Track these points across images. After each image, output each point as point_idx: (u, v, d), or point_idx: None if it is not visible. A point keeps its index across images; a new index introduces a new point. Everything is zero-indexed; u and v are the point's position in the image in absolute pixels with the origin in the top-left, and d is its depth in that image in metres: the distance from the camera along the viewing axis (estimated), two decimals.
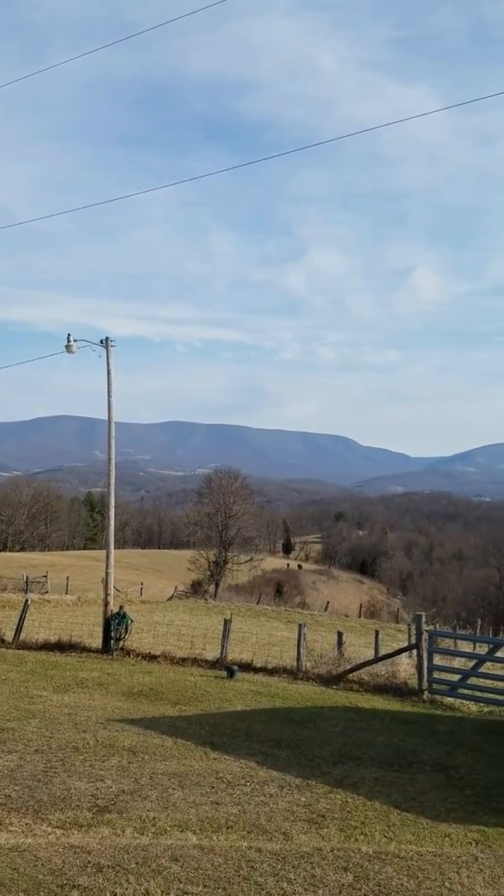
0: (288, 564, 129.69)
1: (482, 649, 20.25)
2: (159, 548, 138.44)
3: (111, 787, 8.18)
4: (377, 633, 21.21)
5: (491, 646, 16.88)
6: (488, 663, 16.38)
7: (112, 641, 18.77)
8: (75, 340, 20.10)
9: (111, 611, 19.59)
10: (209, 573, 68.88)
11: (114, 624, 18.99)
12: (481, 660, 15.93)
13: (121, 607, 20.12)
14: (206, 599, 49.54)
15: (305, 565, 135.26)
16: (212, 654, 18.05)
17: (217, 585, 65.81)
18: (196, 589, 65.23)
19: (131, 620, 19.41)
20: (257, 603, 48.81)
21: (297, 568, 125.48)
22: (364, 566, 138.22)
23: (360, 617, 49.70)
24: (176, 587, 62.33)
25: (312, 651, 18.00)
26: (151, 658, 17.88)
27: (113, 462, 21.24)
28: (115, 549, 21.50)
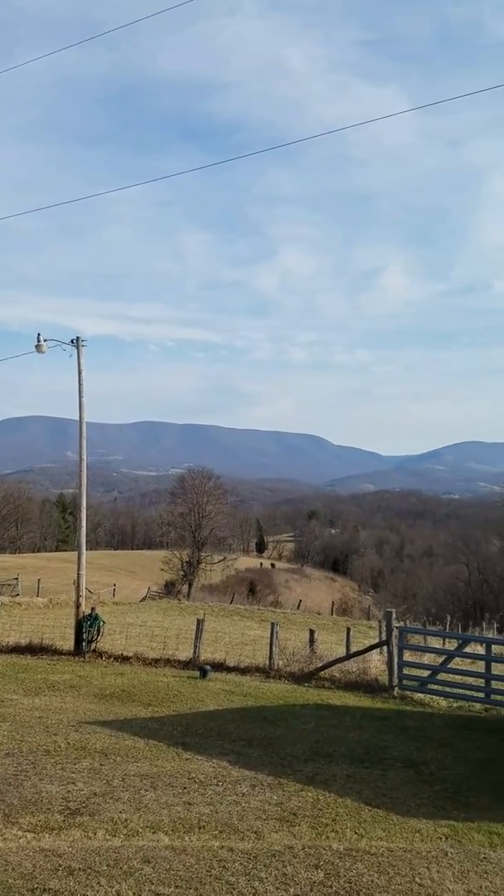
0: (261, 563, 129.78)
1: (451, 645, 20.50)
2: (132, 548, 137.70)
3: (83, 790, 8.16)
4: (349, 630, 21.36)
5: (460, 641, 17.13)
6: (457, 659, 16.61)
7: (84, 643, 18.67)
8: (45, 340, 19.93)
9: (83, 613, 19.48)
10: (182, 573, 68.77)
11: (86, 626, 18.89)
12: (450, 655, 16.14)
13: (93, 609, 20.02)
14: (180, 600, 49.45)
15: (279, 564, 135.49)
16: (185, 654, 18.04)
17: (190, 585, 65.72)
18: (169, 589, 65.06)
19: (103, 622, 19.32)
20: (230, 602, 48.82)
21: (270, 567, 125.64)
22: (336, 564, 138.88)
23: (332, 614, 49.91)
24: (149, 588, 62.10)
25: (285, 649, 18.09)
26: (124, 660, 17.82)
27: (84, 463, 21.11)
28: (87, 550, 21.37)
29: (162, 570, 72.83)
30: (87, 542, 21.40)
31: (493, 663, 15.18)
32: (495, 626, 32.56)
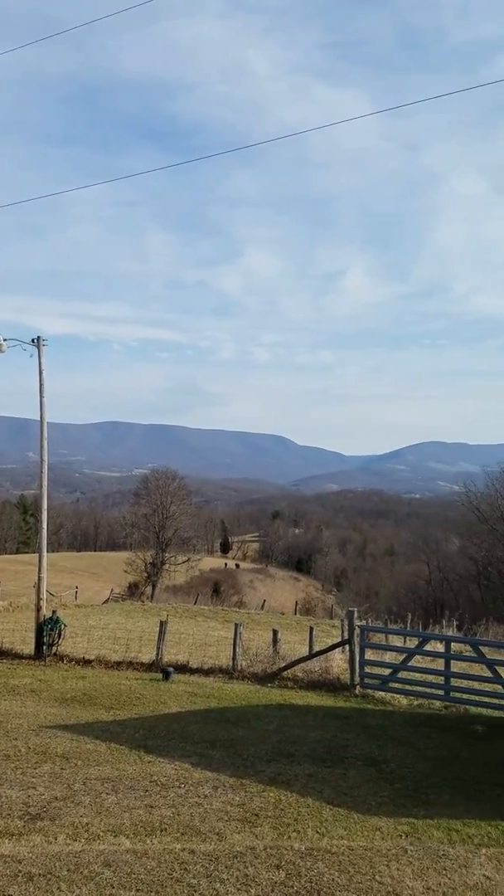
0: (226, 564, 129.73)
1: (412, 643, 20.75)
2: (95, 550, 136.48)
3: (43, 795, 8.09)
4: (311, 629, 21.43)
5: (420, 640, 17.36)
6: (418, 656, 16.83)
7: (45, 647, 18.45)
8: (5, 339, 19.64)
9: (44, 616, 19.25)
10: (146, 575, 68.34)
11: (46, 629, 18.67)
12: (411, 653, 16.33)
13: (54, 612, 19.79)
14: (143, 601, 49.16)
15: (243, 564, 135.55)
16: (148, 656, 17.96)
17: (154, 587, 65.37)
18: (133, 591, 64.63)
19: (64, 625, 19.12)
20: (195, 603, 48.70)
21: (234, 567, 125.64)
22: (300, 564, 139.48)
23: (295, 614, 50.14)
24: (112, 590, 61.63)
25: (248, 650, 18.13)
26: (86, 663, 17.68)
27: (45, 463, 20.87)
28: (49, 552, 21.13)
29: (125, 571, 72.29)
30: (48, 543, 21.17)
31: (452, 661, 15.41)
32: (455, 623, 33.03)
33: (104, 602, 49.44)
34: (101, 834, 7.04)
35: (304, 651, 18.90)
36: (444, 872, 6.58)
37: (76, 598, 48.61)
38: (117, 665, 17.48)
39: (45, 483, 20.99)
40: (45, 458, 20.79)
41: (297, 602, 66.51)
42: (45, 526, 20.91)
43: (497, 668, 14.82)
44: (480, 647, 15.83)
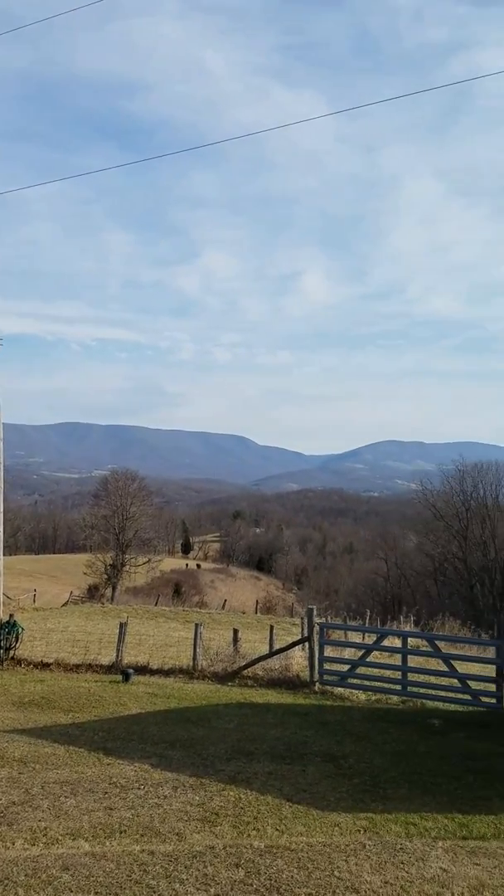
0: (187, 564, 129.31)
1: (371, 639, 21.00)
2: (54, 553, 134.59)
3: (0, 800, 7.98)
4: (272, 628, 21.55)
5: (378, 635, 17.57)
6: (376, 652, 17.04)
7: (2, 651, 18.18)
8: None
9: (0, 620, 18.97)
10: (106, 577, 67.76)
11: (3, 633, 18.38)
12: (369, 649, 16.55)
13: (11, 616, 19.51)
14: (103, 603, 48.72)
15: (204, 564, 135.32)
16: (107, 658, 17.82)
17: (114, 589, 64.85)
18: (92, 593, 64.05)
19: (22, 629, 18.85)
20: (155, 604, 48.46)
21: (195, 567, 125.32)
22: (261, 563, 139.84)
23: (256, 613, 50.22)
24: (71, 592, 60.97)
25: (209, 650, 18.12)
26: (44, 666, 17.46)
27: (1, 465, 20.56)
28: (6, 555, 20.83)
29: (85, 573, 71.56)
30: (5, 547, 20.85)
31: (409, 656, 15.64)
32: (412, 619, 33.48)
33: (63, 605, 48.85)
34: (60, 837, 6.99)
35: (265, 649, 18.99)
36: (401, 866, 6.66)
37: (34, 601, 47.98)
38: (76, 668, 17.31)
39: (1, 485, 20.68)
40: (2, 459, 20.49)
41: (258, 601, 66.62)
42: (1, 529, 20.60)
43: (452, 662, 15.11)
44: (436, 642, 16.12)
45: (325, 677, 15.76)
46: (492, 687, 14.42)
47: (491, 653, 16.84)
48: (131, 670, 16.34)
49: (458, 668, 15.02)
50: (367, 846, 7.11)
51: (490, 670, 15.14)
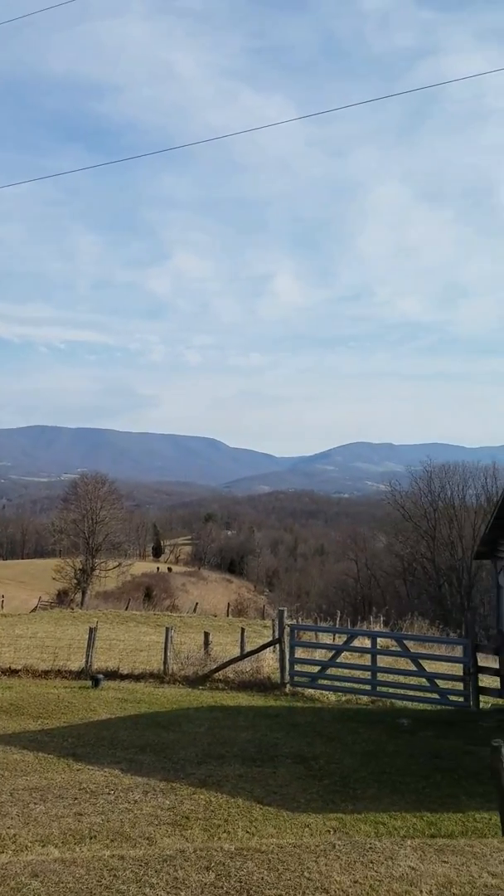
0: (158, 568, 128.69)
1: (341, 640, 21.13)
2: (23, 558, 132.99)
3: None
4: (243, 630, 21.57)
5: (348, 636, 17.70)
6: (346, 653, 17.15)
7: None
8: None
9: None
10: (76, 581, 67.14)
11: None
12: (338, 650, 16.66)
13: None
14: (73, 608, 48.30)
15: (175, 568, 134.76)
16: (77, 664, 17.69)
17: (84, 593, 64.29)
18: (62, 598, 63.37)
19: None
20: (126, 609, 48.15)
21: (167, 571, 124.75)
22: (232, 565, 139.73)
23: (228, 616, 50.23)
24: (40, 598, 60.30)
25: (179, 653, 18.09)
26: (12, 673, 17.27)
27: None
28: None
29: (54, 578, 70.75)
30: None
31: (378, 656, 15.78)
32: (382, 619, 33.76)
33: (32, 611, 48.31)
34: (29, 844, 6.93)
35: (236, 652, 19.00)
36: (371, 865, 6.70)
37: (2, 607, 47.44)
38: (45, 674, 17.15)
39: None
40: None
41: (229, 604, 66.62)
42: None
43: (421, 661, 15.28)
44: (405, 642, 16.29)
45: (296, 679, 15.82)
46: (459, 685, 14.62)
47: (459, 652, 17.06)
48: (101, 676, 16.25)
49: (426, 668, 15.21)
50: (337, 846, 7.15)
51: (458, 669, 15.34)
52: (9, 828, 7.34)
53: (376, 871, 6.56)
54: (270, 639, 18.48)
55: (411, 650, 16.26)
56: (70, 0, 16.51)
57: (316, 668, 16.16)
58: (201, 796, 8.52)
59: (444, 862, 6.80)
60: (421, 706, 14.44)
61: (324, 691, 15.32)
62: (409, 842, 7.32)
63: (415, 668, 15.15)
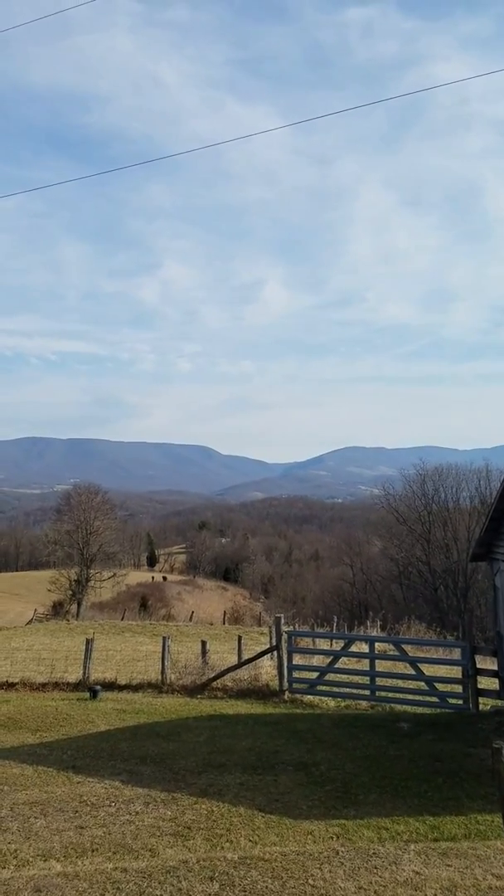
0: (153, 577, 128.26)
1: (339, 645, 21.09)
2: (17, 570, 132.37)
3: None
4: (240, 638, 21.50)
5: (346, 641, 17.68)
6: (344, 658, 17.12)
7: None
8: None
9: None
10: (71, 593, 66.86)
11: None
12: (336, 656, 16.62)
13: None
14: (69, 620, 48.10)
15: (170, 577, 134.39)
16: (74, 676, 17.61)
17: (79, 605, 64.03)
18: (57, 610, 63.15)
19: None
20: (122, 619, 47.98)
21: (162, 580, 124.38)
22: (228, 573, 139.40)
23: (224, 624, 50.08)
24: (35, 610, 60.02)
25: (177, 663, 18.03)
26: (9, 686, 17.18)
27: None
28: None
29: (49, 590, 70.45)
30: None
31: (376, 660, 15.77)
32: (378, 623, 33.71)
33: (27, 623, 48.11)
34: (31, 859, 6.89)
35: (234, 660, 18.94)
36: (375, 871, 6.70)
37: None
38: (43, 686, 17.07)
39: None
40: None
41: (225, 612, 66.42)
42: None
43: (419, 665, 15.27)
44: (403, 646, 16.28)
45: (295, 685, 15.78)
46: (458, 688, 14.62)
47: (457, 654, 17.06)
48: (99, 687, 16.17)
49: (424, 671, 15.20)
50: (341, 853, 7.14)
51: (456, 672, 15.37)
52: (10, 843, 7.29)
53: (381, 877, 6.56)
54: (268, 646, 18.45)
55: (409, 654, 16.24)
56: (53, 13, 16.60)
57: (314, 675, 16.13)
58: (203, 806, 8.49)
59: (448, 865, 6.80)
60: (420, 710, 14.42)
61: (323, 697, 15.29)
62: (412, 846, 7.32)
63: (413, 672, 15.14)
